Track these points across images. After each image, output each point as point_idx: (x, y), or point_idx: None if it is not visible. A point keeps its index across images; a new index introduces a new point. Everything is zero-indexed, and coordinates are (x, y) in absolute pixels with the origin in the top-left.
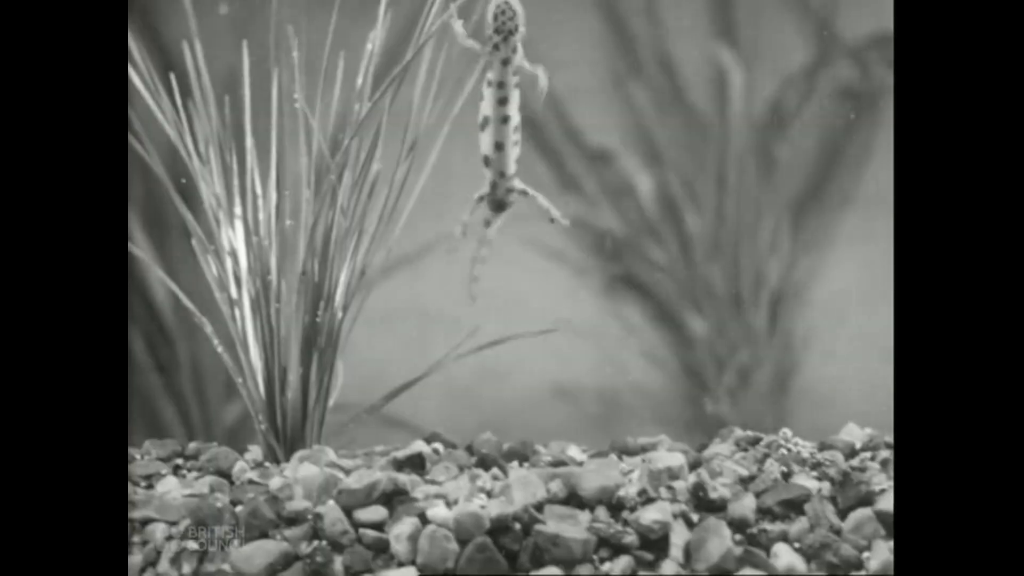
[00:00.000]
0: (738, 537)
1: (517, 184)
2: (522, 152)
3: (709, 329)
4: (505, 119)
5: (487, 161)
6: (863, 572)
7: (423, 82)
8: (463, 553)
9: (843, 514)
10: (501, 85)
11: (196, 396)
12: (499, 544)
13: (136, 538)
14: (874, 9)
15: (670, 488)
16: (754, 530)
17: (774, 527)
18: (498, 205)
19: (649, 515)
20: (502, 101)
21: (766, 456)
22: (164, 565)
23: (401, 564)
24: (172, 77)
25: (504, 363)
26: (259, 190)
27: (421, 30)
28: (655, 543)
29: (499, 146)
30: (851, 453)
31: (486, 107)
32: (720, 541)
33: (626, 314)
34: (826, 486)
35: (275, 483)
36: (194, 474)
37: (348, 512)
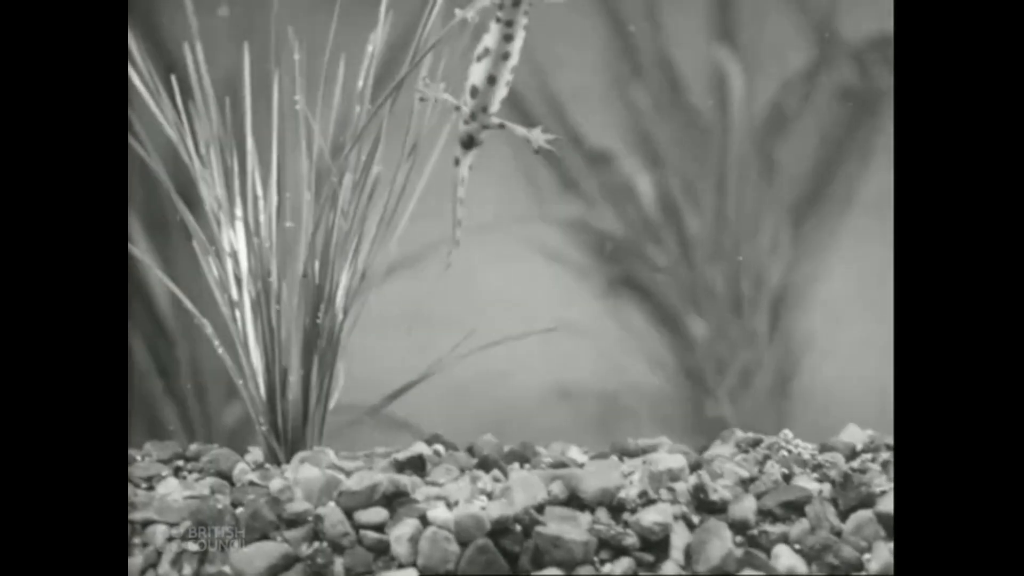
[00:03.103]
0: (739, 539)
1: (494, 121)
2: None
3: (710, 331)
4: (506, 55)
5: (474, 92)
6: (863, 573)
7: (424, 84)
8: (464, 555)
9: (844, 516)
10: (509, 23)
11: (197, 397)
12: (500, 546)
13: (137, 539)
14: (874, 10)
15: (671, 490)
16: (755, 532)
17: (775, 529)
18: (469, 141)
19: (650, 517)
20: (507, 38)
21: (767, 458)
22: (165, 567)
23: (402, 566)
24: (173, 79)
25: (505, 364)
26: (260, 192)
27: (422, 32)
28: (656, 545)
29: (492, 80)
30: (852, 455)
31: (489, 39)
32: (721, 543)
33: (626, 316)
34: (827, 488)
35: (276, 485)
36: (195, 476)
37: (349, 513)
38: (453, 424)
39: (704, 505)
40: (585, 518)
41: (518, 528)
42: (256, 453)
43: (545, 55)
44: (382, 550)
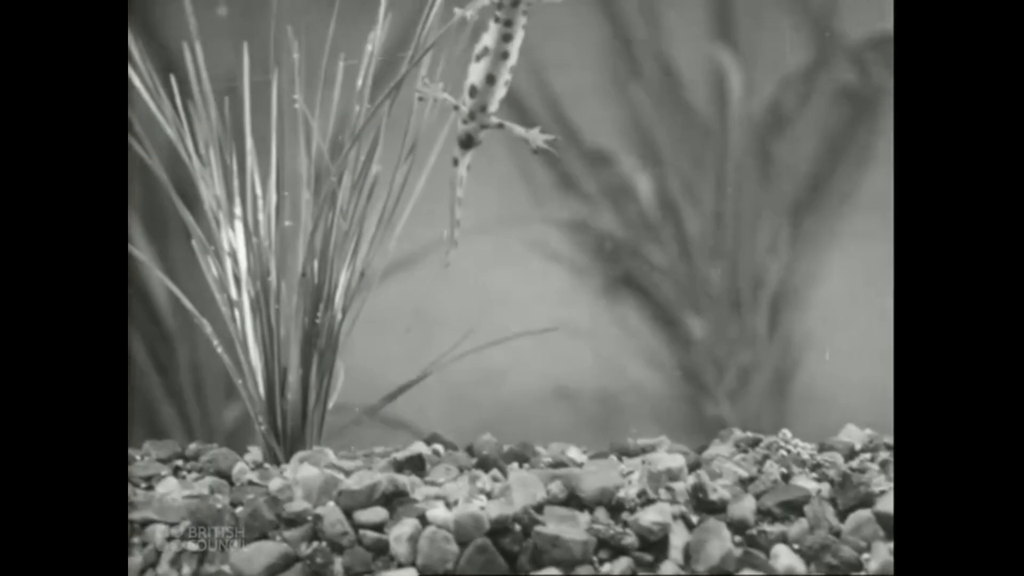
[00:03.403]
0: (738, 538)
1: (493, 120)
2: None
3: (708, 330)
4: (505, 55)
5: (473, 91)
6: (862, 573)
7: (423, 83)
8: (463, 554)
9: (843, 515)
10: (508, 23)
11: (196, 397)
12: (499, 545)
13: (136, 539)
14: (874, 10)
15: (670, 489)
16: (754, 531)
17: (774, 528)
18: (468, 140)
19: (649, 516)
20: (506, 37)
21: (766, 457)
22: (164, 566)
23: (401, 565)
24: (172, 79)
25: (504, 364)
26: (259, 191)
27: (421, 31)
28: (655, 544)
29: (491, 79)
30: (851, 454)
31: (488, 39)
32: (720, 542)
33: (625, 316)
34: (826, 487)
35: (275, 484)
36: (194, 475)
37: (348, 513)
38: (452, 424)
39: (703, 505)
40: (584, 518)
41: (517, 528)
42: (255, 453)
43: (544, 55)
44: (381, 550)
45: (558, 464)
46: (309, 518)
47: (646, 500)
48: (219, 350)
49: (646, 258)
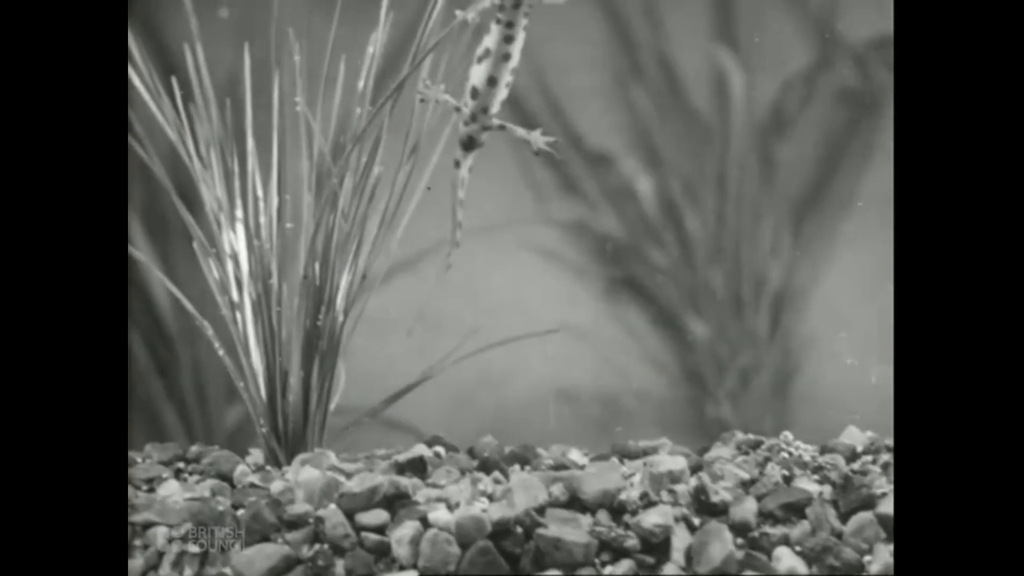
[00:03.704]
0: (739, 541)
1: (494, 122)
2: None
3: (710, 332)
4: (507, 56)
5: (475, 93)
6: (864, 575)
7: (424, 85)
8: (465, 557)
9: (844, 517)
10: (510, 24)
11: (197, 399)
12: (501, 547)
13: (137, 542)
14: (874, 11)
15: (671, 491)
16: (755, 533)
17: (775, 530)
18: (470, 142)
19: (650, 518)
20: (508, 39)
21: (767, 460)
22: (165, 568)
23: (403, 568)
24: (173, 80)
25: (505, 366)
26: (260, 193)
27: (422, 33)
28: (656, 546)
29: (492, 81)
30: (852, 456)
31: (490, 40)
32: (721, 545)
33: (627, 317)
34: (827, 489)
35: (276, 486)
36: (195, 477)
37: (349, 515)
38: (454, 426)
39: (705, 507)
40: (586, 520)
41: (519, 530)
42: (257, 455)
43: (545, 56)
44: (383, 552)
45: (560, 466)
46: (310, 520)
47: (648, 502)
48: (220, 352)
49: (647, 259)
